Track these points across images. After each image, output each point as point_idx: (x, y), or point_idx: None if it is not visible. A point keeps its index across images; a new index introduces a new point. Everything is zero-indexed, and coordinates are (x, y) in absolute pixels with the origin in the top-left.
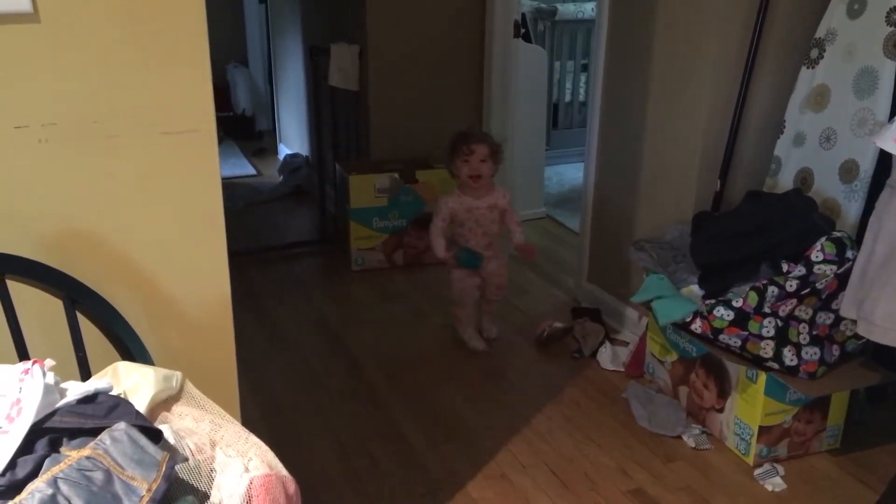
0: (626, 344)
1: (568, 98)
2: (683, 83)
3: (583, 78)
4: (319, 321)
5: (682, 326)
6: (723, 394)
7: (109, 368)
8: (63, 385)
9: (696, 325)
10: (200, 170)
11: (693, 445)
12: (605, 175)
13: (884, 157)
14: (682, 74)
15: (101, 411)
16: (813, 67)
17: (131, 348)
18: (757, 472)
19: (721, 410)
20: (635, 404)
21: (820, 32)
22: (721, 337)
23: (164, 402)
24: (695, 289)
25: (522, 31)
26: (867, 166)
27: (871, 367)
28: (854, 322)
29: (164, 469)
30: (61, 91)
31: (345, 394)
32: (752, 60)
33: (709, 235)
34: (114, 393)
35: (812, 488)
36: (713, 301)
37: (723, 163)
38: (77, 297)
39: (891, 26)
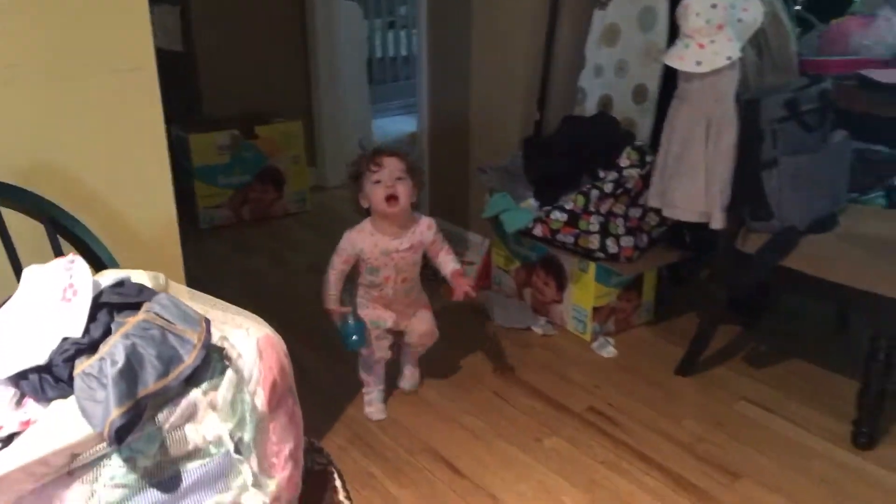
0: (472, 263)
1: (379, 54)
2: (501, 31)
3: (390, 35)
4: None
5: (526, 232)
6: (561, 288)
7: (99, 275)
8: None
9: (538, 230)
10: (146, 104)
11: (541, 333)
12: (438, 118)
13: (669, 77)
14: (498, 24)
15: (133, 291)
16: (604, 9)
17: (108, 264)
18: (594, 345)
19: (560, 302)
20: (491, 308)
21: None
22: (558, 237)
23: None
24: (532, 201)
25: None
26: (654, 88)
27: (671, 249)
28: (657, 213)
29: (205, 324)
30: (21, 36)
31: None
32: (555, 7)
33: (537, 156)
34: None
35: (636, 351)
36: (549, 208)
37: (539, 96)
38: (57, 219)
39: None
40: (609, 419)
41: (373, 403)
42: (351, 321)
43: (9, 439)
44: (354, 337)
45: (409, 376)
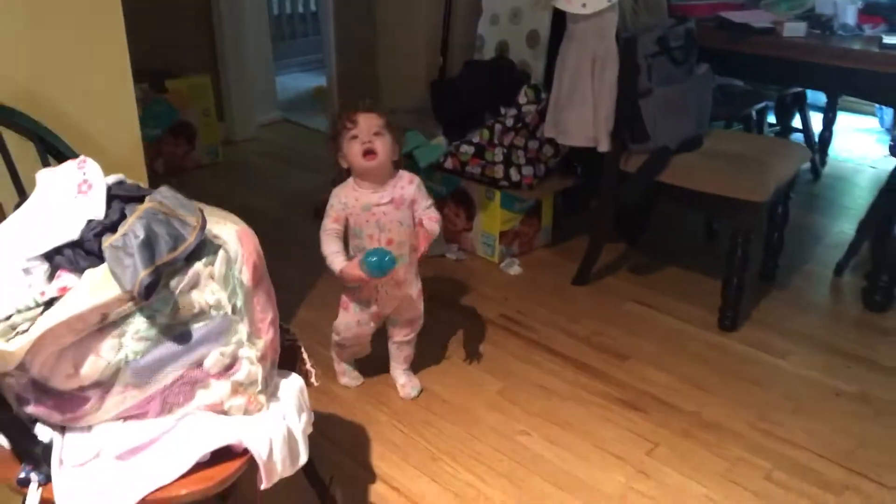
0: None
1: (277, 11)
2: None
3: None
4: None
5: (438, 166)
6: (470, 217)
7: None
8: None
9: (448, 163)
10: (112, 38)
11: (455, 258)
12: (346, 70)
13: (557, 23)
14: None
15: (133, 188)
16: None
17: None
18: (502, 265)
19: (470, 230)
20: None
21: None
22: (467, 169)
23: None
24: (441, 138)
25: None
26: (545, 33)
27: (565, 177)
28: (552, 145)
29: (199, 212)
30: None
31: None
32: None
33: (445, 97)
34: None
35: (538, 269)
36: (458, 142)
37: (442, 43)
38: (45, 138)
39: None
40: (518, 323)
41: (346, 373)
42: (367, 259)
43: (50, 303)
44: (382, 257)
45: (406, 384)
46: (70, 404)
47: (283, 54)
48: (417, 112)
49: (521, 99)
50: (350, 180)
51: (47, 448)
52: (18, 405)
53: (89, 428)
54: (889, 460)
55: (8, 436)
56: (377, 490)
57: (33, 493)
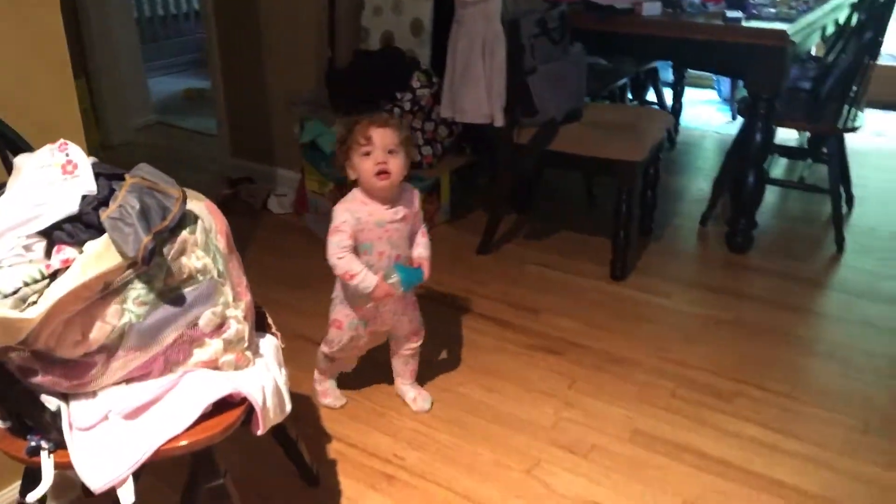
0: (285, 195)
1: (149, 13)
2: None
3: None
4: None
5: None
6: None
7: None
8: None
9: None
10: (50, 23)
11: None
12: (231, 69)
13: (438, 10)
14: None
15: (109, 168)
16: None
17: None
18: None
19: None
20: (313, 226)
21: None
22: None
23: None
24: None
25: None
26: (428, 22)
27: (459, 156)
28: (446, 126)
29: (178, 185)
30: None
31: None
32: None
33: (340, 86)
34: None
35: (443, 242)
36: None
37: (329, 36)
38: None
39: None
40: (435, 291)
41: (328, 393)
42: (395, 276)
43: (54, 275)
44: (403, 274)
45: (417, 397)
46: (76, 371)
47: (151, 57)
48: (313, 102)
49: (415, 83)
50: (357, 194)
51: (56, 415)
52: (23, 377)
53: (94, 394)
54: (767, 370)
55: (17, 408)
56: (335, 447)
57: (46, 461)
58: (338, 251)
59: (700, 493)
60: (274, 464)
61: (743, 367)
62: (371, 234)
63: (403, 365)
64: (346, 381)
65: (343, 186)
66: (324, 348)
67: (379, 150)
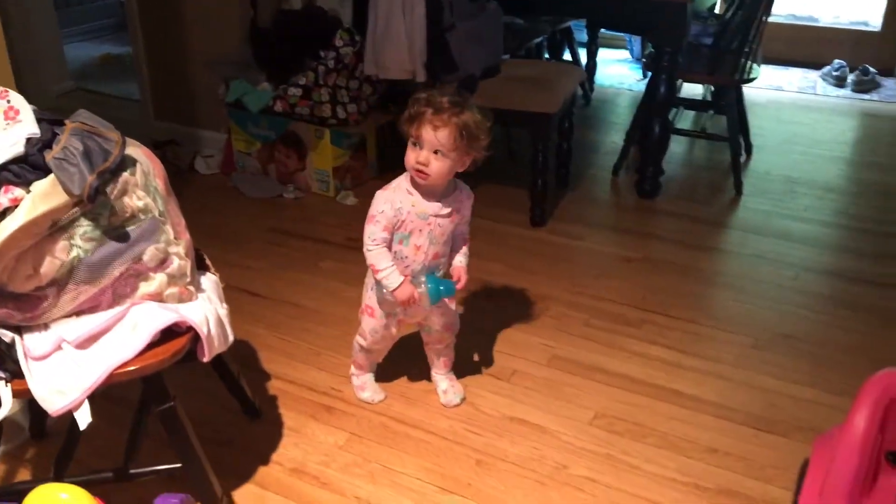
0: (212, 156)
1: None
2: None
3: None
4: None
5: (268, 110)
6: (301, 157)
7: None
8: None
9: (278, 106)
10: None
11: (293, 197)
12: (152, 34)
13: None
14: None
15: (48, 113)
16: None
17: None
18: (338, 197)
19: (304, 169)
20: (241, 185)
21: None
22: (297, 110)
23: None
24: (266, 84)
25: None
26: None
27: (384, 113)
28: (370, 84)
29: (117, 130)
30: None
31: None
32: None
33: (264, 46)
34: None
35: (368, 198)
36: (286, 85)
37: None
38: None
39: None
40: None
41: (366, 387)
42: (424, 285)
43: (3, 214)
44: (431, 285)
45: (448, 389)
46: (29, 304)
47: (65, 23)
48: (237, 63)
49: (338, 41)
50: (402, 180)
51: (10, 346)
52: None
53: (47, 326)
54: (671, 299)
55: None
56: (275, 385)
57: (4, 389)
58: (369, 242)
59: (609, 404)
60: (218, 404)
61: (650, 298)
62: (412, 225)
63: (436, 356)
64: (281, 329)
65: (269, 146)
66: (360, 341)
67: (425, 148)
